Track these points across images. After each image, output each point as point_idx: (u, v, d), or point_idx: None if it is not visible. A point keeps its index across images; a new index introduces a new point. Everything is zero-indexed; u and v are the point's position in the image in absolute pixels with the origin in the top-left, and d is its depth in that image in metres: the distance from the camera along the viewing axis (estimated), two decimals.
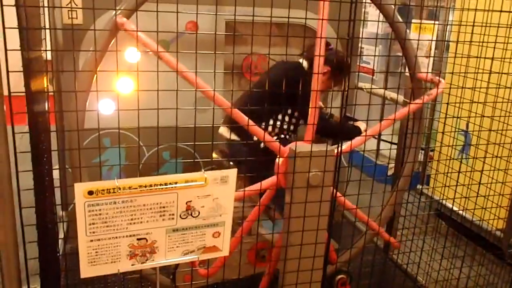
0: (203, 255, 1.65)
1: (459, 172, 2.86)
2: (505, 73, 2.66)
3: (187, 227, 1.59)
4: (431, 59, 2.67)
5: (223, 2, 3.04)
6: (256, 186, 1.94)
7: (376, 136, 5.11)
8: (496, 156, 2.89)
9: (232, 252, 2.23)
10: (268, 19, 1.80)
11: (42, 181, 1.98)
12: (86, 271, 1.53)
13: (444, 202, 3.80)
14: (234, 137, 2.50)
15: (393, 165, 3.56)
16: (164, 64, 1.91)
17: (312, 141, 1.90)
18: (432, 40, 2.54)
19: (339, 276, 2.71)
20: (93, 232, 1.48)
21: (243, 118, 1.91)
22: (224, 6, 3.06)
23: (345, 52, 1.90)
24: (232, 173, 1.55)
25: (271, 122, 2.48)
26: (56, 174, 2.47)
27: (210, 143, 1.99)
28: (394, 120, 2.17)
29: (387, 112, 4.34)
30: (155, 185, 1.48)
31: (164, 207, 1.53)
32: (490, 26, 2.68)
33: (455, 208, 3.61)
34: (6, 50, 1.38)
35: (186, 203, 1.55)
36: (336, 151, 1.79)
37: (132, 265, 1.58)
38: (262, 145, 2.44)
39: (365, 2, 1.90)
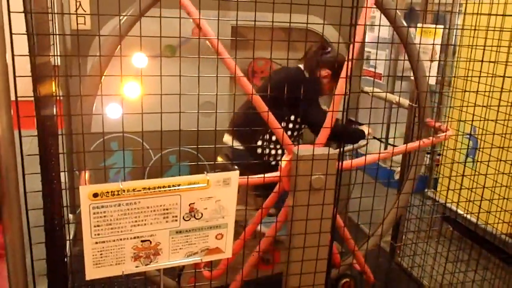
0: (206, 257, 1.68)
1: (463, 175, 2.86)
2: (508, 77, 2.66)
3: (190, 229, 1.61)
4: (436, 63, 2.68)
5: (229, 7, 3.07)
6: (259, 179, 1.94)
7: (383, 140, 5.12)
8: (500, 160, 2.88)
9: (237, 255, 2.25)
10: (273, 24, 1.82)
11: (50, 184, 2.02)
12: (91, 272, 1.56)
13: (450, 206, 3.80)
14: (238, 145, 2.53)
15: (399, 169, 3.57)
16: (169, 69, 1.93)
17: (323, 144, 1.93)
18: (434, 44, 2.54)
19: (344, 280, 2.72)
20: (98, 234, 1.51)
21: (263, 106, 1.93)
22: (230, 11, 3.09)
23: (346, 56, 1.92)
24: (234, 175, 1.57)
25: (266, 136, 2.51)
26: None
27: (214, 146, 2.01)
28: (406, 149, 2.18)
29: (393, 116, 4.34)
30: (158, 187, 1.50)
31: (167, 209, 1.55)
32: (493, 30, 2.69)
33: (460, 212, 3.61)
34: (13, 55, 1.42)
35: (189, 205, 1.57)
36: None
37: (136, 266, 1.60)
38: (262, 151, 2.47)
39: (367, 7, 1.91)
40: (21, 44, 1.65)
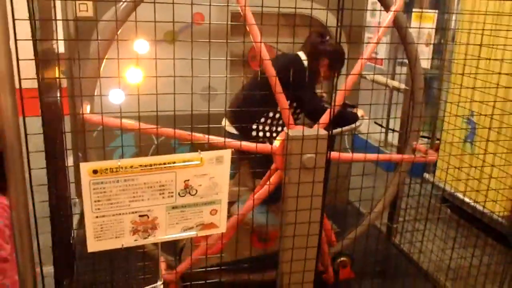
0: (202, 232, 1.76)
1: (457, 155, 2.91)
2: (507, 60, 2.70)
3: (186, 204, 1.69)
4: (430, 47, 2.73)
5: None
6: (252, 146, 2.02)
7: (384, 125, 5.17)
8: (494, 140, 2.93)
9: (233, 234, 2.35)
10: (273, 10, 1.89)
11: (55, 168, 2.10)
12: (93, 245, 1.65)
13: (449, 190, 3.86)
14: (234, 131, 2.61)
15: None
16: (169, 55, 2.00)
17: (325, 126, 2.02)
18: (422, 28, 2.59)
19: (341, 259, 2.80)
20: (98, 209, 1.59)
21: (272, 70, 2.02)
22: None
23: (338, 40, 1.98)
24: (226, 154, 1.65)
25: (270, 114, 2.58)
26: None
27: (207, 126, 2.08)
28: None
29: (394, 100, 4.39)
30: (154, 164, 1.59)
31: (163, 185, 1.63)
32: (489, 14, 2.73)
33: (459, 196, 3.68)
34: (16, 40, 1.49)
35: (184, 182, 1.65)
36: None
37: (135, 240, 1.69)
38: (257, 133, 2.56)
39: None
40: (25, 32, 1.74)
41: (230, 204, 2.11)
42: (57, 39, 2.05)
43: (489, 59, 2.71)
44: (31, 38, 1.67)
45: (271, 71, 2.04)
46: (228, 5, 3.06)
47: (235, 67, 3.32)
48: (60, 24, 2.97)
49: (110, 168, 1.55)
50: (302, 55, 2.60)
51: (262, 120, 2.56)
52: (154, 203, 1.65)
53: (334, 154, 2.08)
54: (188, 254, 2.34)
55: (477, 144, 3.58)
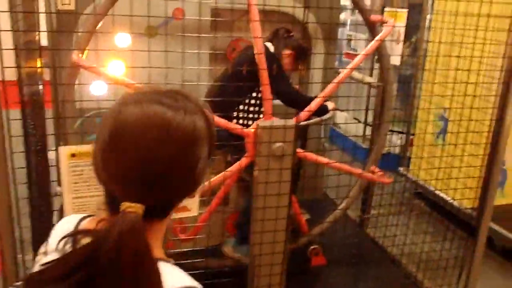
0: (175, 215, 1.86)
1: (422, 146, 3.04)
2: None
3: None
4: (400, 44, 2.86)
5: None
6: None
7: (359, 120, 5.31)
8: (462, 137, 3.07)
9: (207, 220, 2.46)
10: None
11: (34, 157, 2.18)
12: None
13: (420, 182, 4.01)
14: None
15: None
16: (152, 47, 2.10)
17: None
18: (394, 26, 2.72)
19: (312, 247, 2.93)
20: (76, 190, 1.69)
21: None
22: None
23: (307, 36, 2.11)
24: None
25: (241, 107, 2.70)
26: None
27: None
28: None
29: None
30: None
31: None
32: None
33: (431, 189, 3.83)
34: None
35: None
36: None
37: None
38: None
39: None
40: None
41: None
42: (39, 31, 2.13)
43: (456, 56, 2.84)
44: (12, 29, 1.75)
45: (263, 64, 2.16)
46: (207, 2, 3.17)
47: (216, 61, 3.42)
48: (43, 17, 3.05)
49: (87, 152, 1.64)
50: (269, 45, 2.72)
51: (241, 107, 2.67)
52: None
53: (300, 153, 2.26)
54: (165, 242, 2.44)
55: (447, 140, 3.73)
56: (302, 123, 2.24)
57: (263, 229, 2.05)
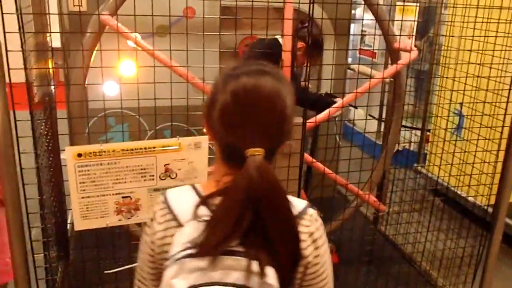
0: None
1: (442, 149, 3.00)
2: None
3: (166, 187, 1.80)
4: (412, 39, 2.81)
5: None
6: None
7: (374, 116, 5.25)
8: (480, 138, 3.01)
9: None
10: (261, 3, 2.01)
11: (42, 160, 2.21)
12: (79, 224, 1.77)
13: (442, 180, 3.95)
14: None
15: None
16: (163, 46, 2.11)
17: None
18: (404, 20, 2.68)
19: None
20: (84, 190, 1.71)
21: None
22: None
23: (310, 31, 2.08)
24: (204, 140, 1.76)
25: None
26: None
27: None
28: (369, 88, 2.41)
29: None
30: (135, 149, 1.70)
31: (144, 169, 1.75)
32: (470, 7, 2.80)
33: (445, 185, 3.76)
34: (4, 32, 1.60)
35: (165, 166, 1.76)
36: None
37: (119, 220, 1.81)
38: None
39: None
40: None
41: None
42: (49, 32, 2.15)
43: (471, 50, 2.78)
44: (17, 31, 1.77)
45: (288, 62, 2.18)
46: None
47: (225, 58, 3.43)
48: (56, 19, 3.09)
49: (93, 152, 1.66)
50: (280, 39, 2.70)
51: None
52: (136, 185, 1.76)
53: (308, 158, 2.24)
54: None
55: (463, 136, 3.66)
56: (309, 121, 2.22)
57: None
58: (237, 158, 0.97)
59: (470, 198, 3.28)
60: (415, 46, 2.47)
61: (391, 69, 2.46)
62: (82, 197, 1.72)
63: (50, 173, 2.54)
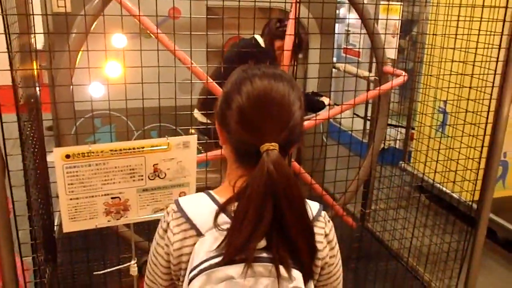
0: None
1: (427, 146, 3.04)
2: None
3: (156, 187, 1.80)
4: (396, 38, 2.85)
5: None
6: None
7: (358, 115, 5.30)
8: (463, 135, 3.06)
9: None
10: (247, 4, 2.01)
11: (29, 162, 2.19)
12: (68, 226, 1.76)
13: (427, 177, 3.99)
14: (204, 120, 2.73)
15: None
16: (149, 47, 2.11)
17: None
18: (389, 19, 2.72)
19: None
20: (72, 191, 1.70)
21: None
22: None
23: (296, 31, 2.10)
24: (192, 139, 1.76)
25: None
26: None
27: (189, 122, 2.21)
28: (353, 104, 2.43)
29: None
30: (124, 149, 1.69)
31: (133, 169, 1.74)
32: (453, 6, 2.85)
33: (430, 181, 3.81)
34: None
35: (153, 166, 1.76)
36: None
37: (108, 221, 1.80)
38: None
39: None
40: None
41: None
42: (33, 33, 2.14)
43: (454, 48, 2.82)
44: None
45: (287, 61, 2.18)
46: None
47: (211, 57, 3.43)
48: (39, 20, 3.06)
49: (81, 153, 1.65)
50: (258, 37, 2.71)
51: None
52: (125, 186, 1.76)
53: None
54: None
55: (447, 133, 3.71)
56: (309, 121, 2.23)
57: None
58: (252, 157, 0.98)
59: (455, 194, 3.32)
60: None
61: (377, 91, 2.50)
62: (71, 199, 1.71)
63: (37, 175, 2.52)
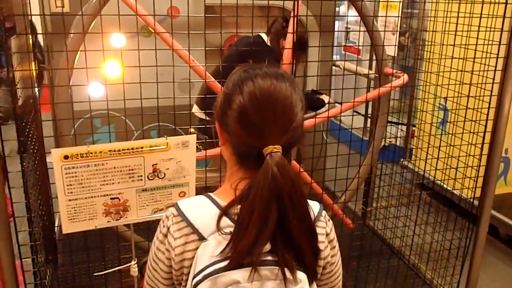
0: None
1: (428, 143, 3.03)
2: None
3: (155, 187, 1.79)
4: (396, 35, 2.84)
5: None
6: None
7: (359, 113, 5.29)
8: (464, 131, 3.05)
9: None
10: (245, 1, 2.00)
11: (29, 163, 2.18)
12: (67, 227, 1.75)
13: (428, 175, 3.98)
14: (203, 116, 2.72)
15: None
16: (148, 47, 2.10)
17: None
18: (388, 16, 2.70)
19: None
20: (71, 192, 1.69)
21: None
22: None
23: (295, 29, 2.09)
24: (191, 139, 1.75)
25: None
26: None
27: (188, 122, 2.20)
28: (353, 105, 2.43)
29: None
30: (123, 149, 1.68)
31: (132, 169, 1.73)
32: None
33: (431, 179, 3.80)
34: None
35: (152, 166, 1.75)
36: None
37: (108, 221, 1.79)
38: None
39: None
40: None
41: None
42: (30, 33, 2.13)
43: (454, 45, 2.80)
44: None
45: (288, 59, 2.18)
46: None
47: (210, 56, 3.42)
48: (38, 20, 3.05)
49: (80, 154, 1.64)
50: (263, 35, 2.70)
51: None
52: (124, 186, 1.75)
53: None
54: None
55: (448, 130, 3.70)
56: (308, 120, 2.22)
57: None
58: (254, 159, 0.96)
59: (456, 192, 3.31)
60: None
61: (377, 91, 2.51)
62: (70, 200, 1.70)
63: (36, 176, 2.52)
